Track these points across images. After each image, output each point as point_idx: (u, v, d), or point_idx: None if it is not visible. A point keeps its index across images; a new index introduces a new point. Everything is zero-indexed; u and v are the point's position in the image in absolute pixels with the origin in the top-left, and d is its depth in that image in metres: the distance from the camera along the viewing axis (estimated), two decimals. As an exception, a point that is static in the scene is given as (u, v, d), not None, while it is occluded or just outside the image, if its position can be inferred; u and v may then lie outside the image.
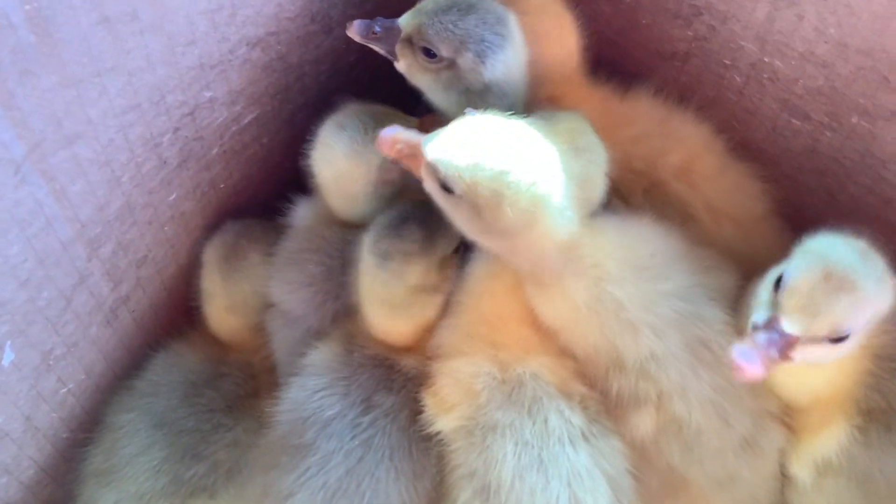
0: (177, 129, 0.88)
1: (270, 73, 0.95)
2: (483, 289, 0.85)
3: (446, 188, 0.73)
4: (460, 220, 0.76)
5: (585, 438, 0.79)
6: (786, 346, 0.69)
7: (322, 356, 0.88)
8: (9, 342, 0.78)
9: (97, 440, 0.96)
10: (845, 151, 0.96)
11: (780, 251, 0.76)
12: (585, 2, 1.05)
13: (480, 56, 0.83)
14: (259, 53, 0.92)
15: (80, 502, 0.93)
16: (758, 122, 1.02)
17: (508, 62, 0.85)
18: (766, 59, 0.96)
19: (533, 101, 0.92)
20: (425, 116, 0.92)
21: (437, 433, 0.83)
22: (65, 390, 0.91)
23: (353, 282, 0.89)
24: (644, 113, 1.00)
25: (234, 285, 0.99)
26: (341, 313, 0.92)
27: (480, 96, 0.86)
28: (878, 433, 0.79)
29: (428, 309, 0.87)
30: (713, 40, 0.99)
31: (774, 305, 0.71)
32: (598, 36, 1.07)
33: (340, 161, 0.89)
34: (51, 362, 0.85)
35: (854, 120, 0.93)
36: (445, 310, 0.88)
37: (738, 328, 0.80)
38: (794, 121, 0.98)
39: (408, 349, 0.88)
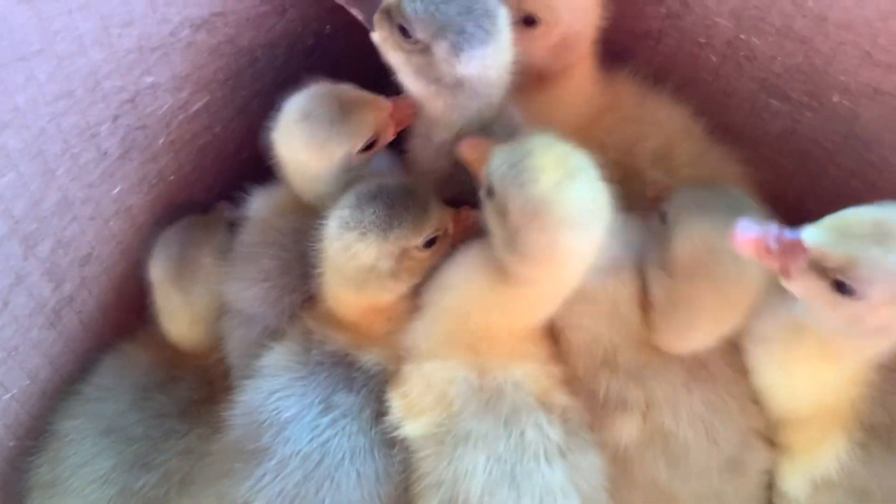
0: (116, 118, 0.83)
1: (219, 56, 0.90)
2: (467, 298, 0.79)
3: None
4: None
5: (562, 454, 0.75)
6: (790, 250, 0.67)
7: (278, 356, 0.83)
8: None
9: (42, 449, 0.91)
10: (827, 132, 0.92)
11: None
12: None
13: (456, 48, 0.76)
14: (204, 36, 0.86)
15: (27, 515, 0.88)
16: (736, 103, 0.98)
17: (487, 60, 0.78)
18: (742, 36, 0.91)
19: (545, 72, 0.90)
20: (397, 100, 0.87)
21: (404, 437, 0.78)
22: (8, 396, 0.87)
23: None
24: (623, 98, 0.96)
25: (195, 298, 0.93)
26: (299, 309, 0.87)
27: (451, 90, 0.80)
28: (878, 449, 0.76)
29: (383, 293, 0.81)
30: (686, 17, 0.94)
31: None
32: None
33: (301, 152, 0.84)
34: (-11, 367, 0.80)
35: (835, 99, 0.89)
36: (413, 304, 0.83)
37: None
38: (772, 101, 0.94)
39: (370, 341, 0.83)
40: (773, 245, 0.68)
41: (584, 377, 0.80)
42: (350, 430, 0.78)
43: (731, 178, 0.95)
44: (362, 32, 0.88)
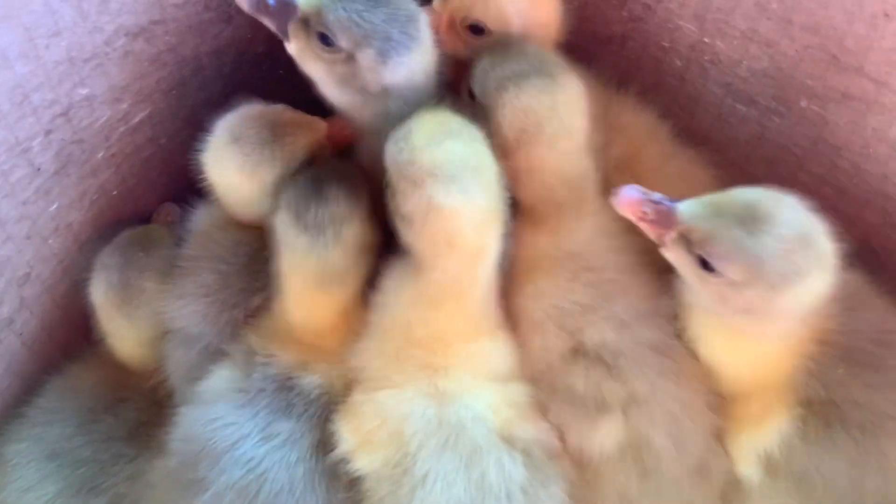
0: (49, 132, 0.79)
1: (160, 66, 0.87)
2: (402, 308, 0.76)
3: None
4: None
5: (524, 492, 0.72)
6: (664, 218, 0.70)
7: (217, 381, 0.80)
8: None
9: (-13, 473, 0.88)
10: (795, 138, 0.89)
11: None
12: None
13: (383, 56, 0.74)
14: (143, 44, 0.83)
15: (-30, 543, 0.86)
16: (702, 108, 0.95)
17: (413, 66, 0.76)
18: (706, 40, 0.88)
19: None
20: (333, 120, 0.84)
21: (353, 471, 0.75)
22: (-52, 420, 0.83)
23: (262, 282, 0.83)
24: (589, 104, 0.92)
25: (141, 322, 0.90)
26: (241, 325, 0.83)
27: (377, 99, 0.77)
28: (816, 428, 0.74)
29: (362, 268, 0.79)
30: (649, 21, 0.92)
31: None
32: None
33: (233, 176, 0.81)
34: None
35: (803, 104, 0.86)
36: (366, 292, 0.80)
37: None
38: (739, 106, 0.91)
39: (319, 356, 0.80)
40: (650, 211, 0.71)
41: (558, 377, 0.77)
42: (289, 459, 0.75)
43: (700, 181, 0.91)
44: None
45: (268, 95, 0.85)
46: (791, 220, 0.67)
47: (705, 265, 0.69)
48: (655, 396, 0.76)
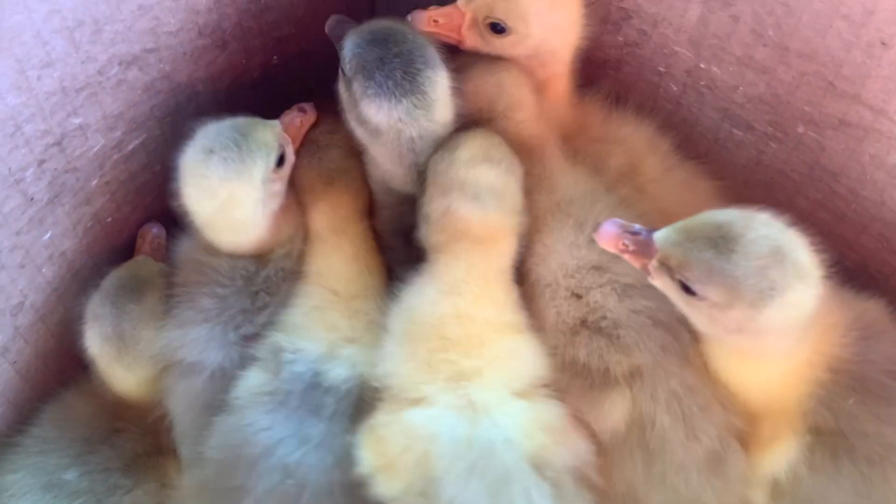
0: (42, 162, 0.79)
1: (154, 93, 0.86)
2: (439, 303, 0.76)
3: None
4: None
5: None
6: (643, 248, 0.71)
7: (247, 386, 0.80)
8: None
9: (-19, 504, 0.87)
10: (792, 163, 0.89)
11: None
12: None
13: (362, 92, 0.76)
14: (136, 73, 0.82)
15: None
16: (698, 133, 0.94)
17: (399, 115, 0.76)
18: (702, 65, 0.88)
19: None
20: (283, 115, 0.86)
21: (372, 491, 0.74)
22: (-57, 449, 0.82)
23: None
24: (588, 119, 0.94)
25: (141, 368, 0.89)
26: (246, 346, 0.83)
27: (375, 137, 0.79)
28: (823, 457, 0.73)
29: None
30: (645, 46, 0.91)
31: None
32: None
33: (220, 189, 0.79)
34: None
35: (800, 130, 0.85)
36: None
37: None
38: (736, 131, 0.91)
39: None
40: (629, 243, 0.72)
41: (565, 349, 0.78)
42: (326, 463, 0.76)
43: (703, 191, 0.92)
44: (312, 63, 0.85)
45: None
46: (762, 236, 0.67)
47: (687, 290, 0.69)
48: (658, 372, 0.76)
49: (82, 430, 0.89)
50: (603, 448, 0.77)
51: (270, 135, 0.81)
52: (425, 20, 0.83)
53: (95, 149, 0.84)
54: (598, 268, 0.79)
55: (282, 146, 0.82)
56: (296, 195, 0.88)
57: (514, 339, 0.77)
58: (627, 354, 0.76)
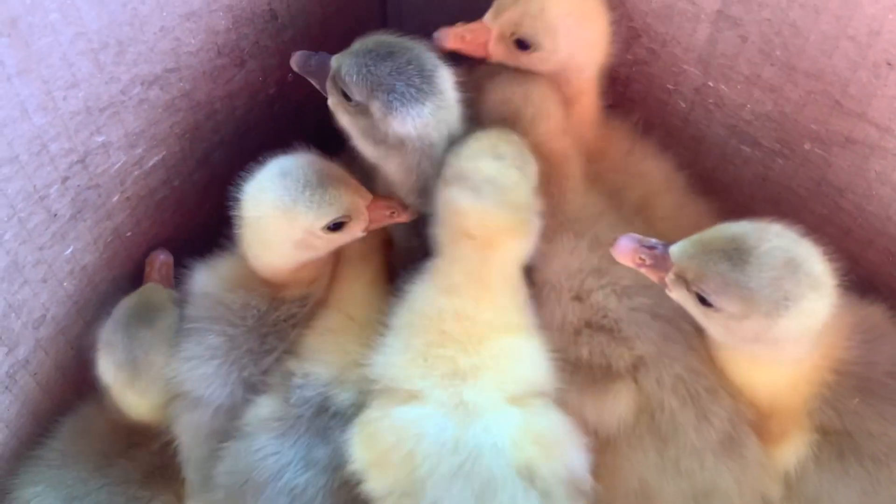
0: (65, 179, 0.80)
1: (174, 111, 0.88)
2: (440, 297, 0.76)
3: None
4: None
5: None
6: (660, 262, 0.73)
7: (258, 412, 0.82)
8: None
9: (4, 517, 0.89)
10: (799, 180, 0.90)
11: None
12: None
13: (388, 107, 0.75)
14: (158, 92, 0.84)
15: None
16: (706, 149, 0.96)
17: (426, 119, 0.76)
18: (710, 84, 0.89)
19: None
20: (380, 197, 0.85)
21: (363, 488, 0.74)
22: (-37, 462, 0.84)
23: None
24: (612, 146, 0.95)
25: (153, 394, 0.89)
26: (253, 388, 0.84)
27: (396, 150, 0.79)
28: (829, 458, 0.75)
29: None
30: (654, 64, 0.93)
31: None
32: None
33: (267, 208, 0.80)
34: (-57, 434, 0.77)
35: (806, 147, 0.87)
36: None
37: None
38: (743, 148, 0.92)
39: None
40: (646, 258, 0.73)
41: (568, 348, 0.79)
42: (331, 486, 0.77)
43: None
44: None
45: (278, 137, 0.86)
46: (776, 247, 0.68)
47: (703, 301, 0.70)
48: (662, 359, 0.77)
49: (101, 443, 0.91)
50: (611, 446, 0.77)
51: (346, 200, 0.80)
52: (451, 37, 0.84)
53: (117, 166, 0.85)
54: (597, 271, 0.80)
55: (349, 217, 0.82)
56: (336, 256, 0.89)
57: (515, 340, 0.77)
58: (629, 347, 0.78)
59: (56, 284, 0.87)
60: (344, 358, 0.82)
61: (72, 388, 0.95)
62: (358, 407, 0.79)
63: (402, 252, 0.89)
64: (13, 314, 0.83)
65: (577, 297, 0.80)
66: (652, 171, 0.94)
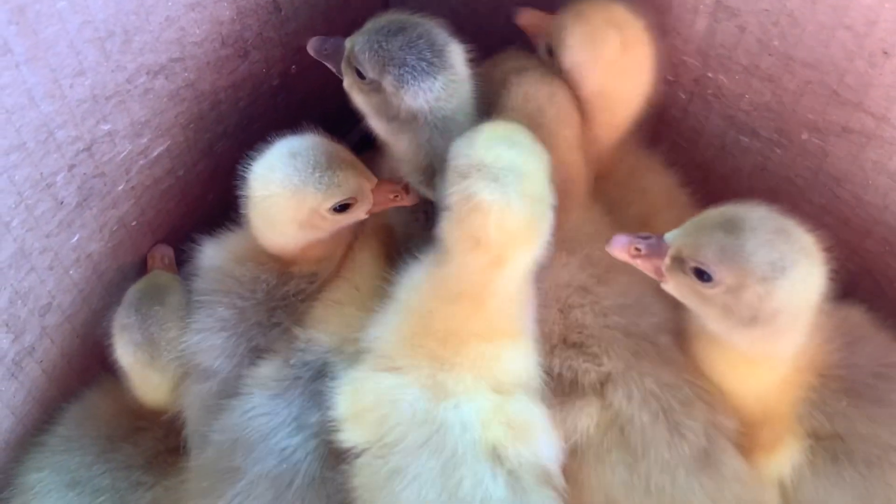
0: (72, 167, 0.81)
1: (179, 101, 0.89)
2: (433, 299, 0.76)
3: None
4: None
5: None
6: (655, 249, 0.75)
7: (259, 372, 0.83)
8: None
9: (7, 503, 0.89)
10: (797, 169, 0.91)
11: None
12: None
13: (400, 80, 0.76)
14: (163, 81, 0.85)
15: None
16: (705, 140, 0.96)
17: (437, 93, 0.77)
18: (709, 74, 0.90)
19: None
20: (385, 180, 0.86)
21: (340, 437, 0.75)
22: (-31, 448, 0.84)
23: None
24: (619, 161, 0.95)
25: (172, 370, 0.91)
26: (258, 358, 0.85)
27: (409, 126, 0.79)
28: (824, 461, 0.76)
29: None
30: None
31: None
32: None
33: (275, 187, 0.81)
34: (-50, 419, 0.77)
35: (804, 136, 0.87)
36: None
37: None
38: (742, 138, 0.93)
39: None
40: (642, 248, 0.75)
41: (545, 351, 0.79)
42: (321, 451, 0.77)
43: None
44: (328, 72, 0.87)
45: (281, 129, 0.87)
46: (766, 217, 0.71)
47: (701, 276, 0.71)
48: (631, 374, 0.77)
49: (105, 428, 0.92)
50: (577, 460, 0.77)
51: (353, 182, 0.82)
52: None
53: (122, 154, 0.86)
54: (583, 289, 0.81)
55: (355, 199, 0.83)
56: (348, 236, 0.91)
57: (501, 346, 0.76)
58: (597, 363, 0.78)
59: (62, 272, 0.88)
60: (347, 329, 0.83)
61: (77, 376, 0.97)
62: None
63: (402, 238, 0.89)
64: (20, 301, 0.83)
65: (561, 311, 0.81)
66: (654, 187, 0.94)
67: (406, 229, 0.90)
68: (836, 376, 0.77)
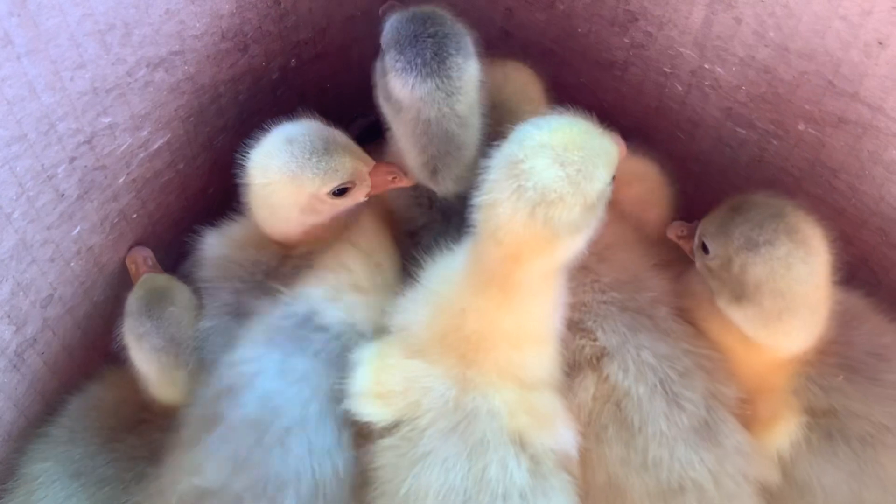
0: (73, 159, 0.82)
1: (179, 94, 0.89)
2: (465, 291, 0.75)
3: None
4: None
5: (523, 497, 0.71)
6: (692, 232, 0.83)
7: (247, 329, 0.83)
8: None
9: (11, 493, 0.89)
10: (793, 160, 0.91)
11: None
12: (519, 11, 1.00)
13: (391, 64, 0.77)
14: (163, 74, 0.86)
15: (-5, 562, 0.87)
16: (702, 131, 0.97)
17: (421, 94, 0.77)
18: (706, 66, 0.91)
19: None
20: (381, 162, 0.87)
21: (355, 408, 0.75)
22: (-29, 439, 0.85)
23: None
24: None
25: (191, 364, 0.90)
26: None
27: (398, 113, 0.80)
28: (819, 439, 0.76)
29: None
30: (651, 47, 0.94)
31: None
32: (534, 46, 1.02)
33: (274, 174, 0.82)
34: (-49, 411, 0.78)
35: (801, 127, 0.88)
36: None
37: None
38: (739, 129, 0.93)
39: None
40: (686, 230, 0.85)
41: None
42: (302, 396, 0.76)
43: None
44: (328, 66, 0.88)
45: (282, 121, 0.87)
46: (770, 203, 0.76)
47: (706, 250, 0.78)
48: (627, 348, 0.77)
49: (109, 419, 0.92)
50: (584, 438, 0.77)
51: (350, 165, 0.82)
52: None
53: (123, 147, 0.87)
54: (585, 268, 0.80)
55: (353, 182, 0.84)
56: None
57: (528, 353, 0.76)
58: (591, 339, 0.78)
59: (63, 264, 0.88)
60: (341, 276, 0.84)
61: (78, 368, 0.97)
62: (344, 328, 0.81)
63: (403, 222, 0.90)
64: (21, 293, 0.84)
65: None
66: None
67: (408, 213, 0.90)
68: (833, 352, 0.78)
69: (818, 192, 0.91)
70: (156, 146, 0.91)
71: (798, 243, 0.72)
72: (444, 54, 0.76)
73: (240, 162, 0.84)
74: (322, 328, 0.81)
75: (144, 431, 0.92)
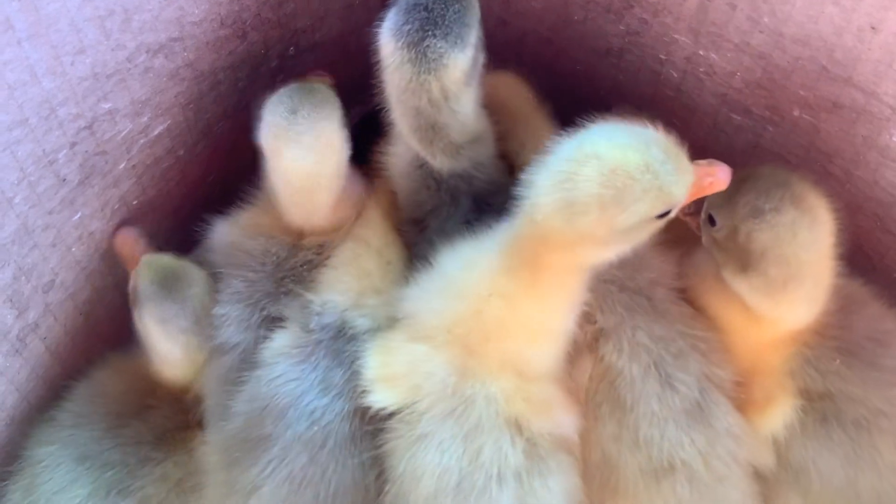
0: (74, 144, 0.83)
1: (179, 81, 0.90)
2: (497, 287, 0.73)
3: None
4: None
5: (517, 478, 0.72)
6: (698, 205, 0.81)
7: (277, 343, 0.84)
8: None
9: (15, 476, 0.90)
10: (789, 146, 0.92)
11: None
12: (515, -2, 1.00)
13: (384, 26, 0.77)
14: (163, 60, 0.86)
15: (0, 543, 0.88)
16: (698, 118, 0.97)
17: (403, 74, 0.76)
18: (701, 53, 0.91)
19: None
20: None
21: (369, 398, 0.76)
22: (-26, 423, 0.85)
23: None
24: None
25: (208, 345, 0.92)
26: (271, 327, 0.87)
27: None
28: (813, 423, 0.76)
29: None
30: (646, 34, 0.94)
31: None
32: (530, 34, 1.03)
33: (306, 134, 0.83)
34: (-46, 395, 0.79)
35: (795, 113, 0.88)
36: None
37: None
38: (734, 116, 0.94)
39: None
40: (692, 208, 0.82)
41: None
42: (350, 409, 0.78)
43: None
44: (327, 54, 0.88)
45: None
46: (776, 174, 0.77)
47: (712, 222, 0.78)
48: (623, 328, 0.78)
49: (114, 404, 0.93)
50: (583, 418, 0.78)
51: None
52: None
53: (123, 133, 0.87)
54: None
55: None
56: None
57: (536, 350, 0.76)
58: (590, 321, 0.79)
59: (65, 249, 0.89)
60: (362, 282, 0.85)
61: (80, 353, 0.98)
62: (371, 334, 0.82)
63: (409, 208, 0.90)
64: (23, 277, 0.85)
65: None
66: None
67: (416, 196, 0.89)
68: (831, 336, 0.78)
69: (813, 178, 0.91)
70: (156, 132, 0.92)
71: (803, 211, 0.73)
72: (436, 47, 0.74)
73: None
74: (353, 338, 0.82)
75: (150, 417, 0.92)
